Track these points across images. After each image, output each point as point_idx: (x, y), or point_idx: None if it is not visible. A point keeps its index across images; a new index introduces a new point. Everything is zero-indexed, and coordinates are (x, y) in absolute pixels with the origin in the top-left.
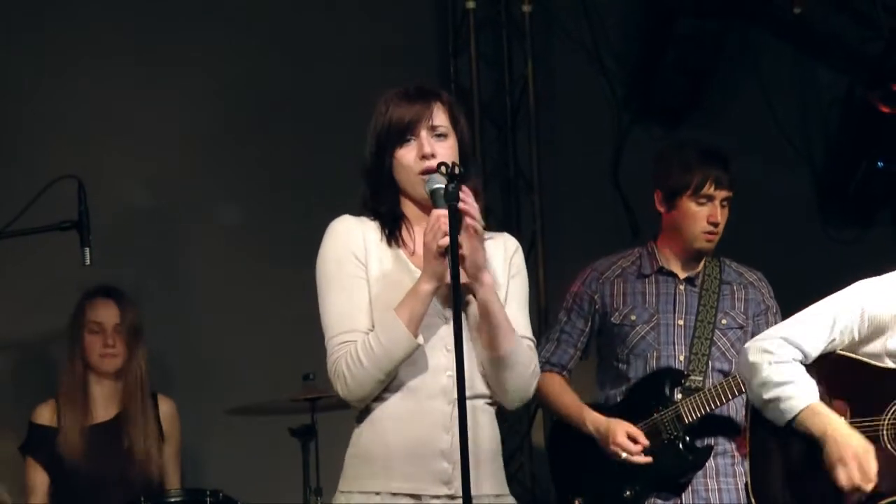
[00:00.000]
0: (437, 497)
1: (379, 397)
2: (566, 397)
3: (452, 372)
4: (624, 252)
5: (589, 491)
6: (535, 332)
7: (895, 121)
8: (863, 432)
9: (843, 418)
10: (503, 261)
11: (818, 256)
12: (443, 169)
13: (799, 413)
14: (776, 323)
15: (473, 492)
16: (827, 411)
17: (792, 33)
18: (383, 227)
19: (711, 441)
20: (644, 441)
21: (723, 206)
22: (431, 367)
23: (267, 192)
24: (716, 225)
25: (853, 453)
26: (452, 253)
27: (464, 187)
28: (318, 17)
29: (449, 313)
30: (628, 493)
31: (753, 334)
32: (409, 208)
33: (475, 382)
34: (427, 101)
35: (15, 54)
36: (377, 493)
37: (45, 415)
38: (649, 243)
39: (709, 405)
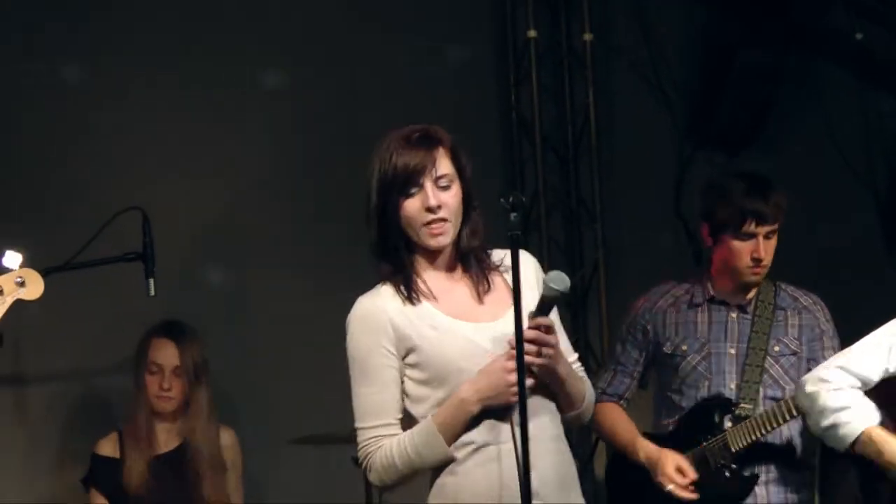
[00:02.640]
0: None
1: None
2: (621, 426)
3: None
4: (678, 282)
5: None
6: (598, 361)
7: None
8: None
9: None
10: (536, 281)
11: (882, 286)
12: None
13: (856, 438)
14: (832, 347)
15: None
16: (884, 435)
17: (854, 61)
18: (398, 289)
19: (761, 469)
20: (692, 475)
21: (768, 239)
22: (499, 415)
23: (334, 225)
24: (760, 260)
25: None
26: (515, 290)
27: (541, 320)
28: (377, 48)
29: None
30: None
31: (808, 360)
32: (417, 256)
33: (545, 421)
34: (430, 149)
35: (78, 88)
36: None
37: (107, 447)
38: (704, 273)
39: (756, 432)
